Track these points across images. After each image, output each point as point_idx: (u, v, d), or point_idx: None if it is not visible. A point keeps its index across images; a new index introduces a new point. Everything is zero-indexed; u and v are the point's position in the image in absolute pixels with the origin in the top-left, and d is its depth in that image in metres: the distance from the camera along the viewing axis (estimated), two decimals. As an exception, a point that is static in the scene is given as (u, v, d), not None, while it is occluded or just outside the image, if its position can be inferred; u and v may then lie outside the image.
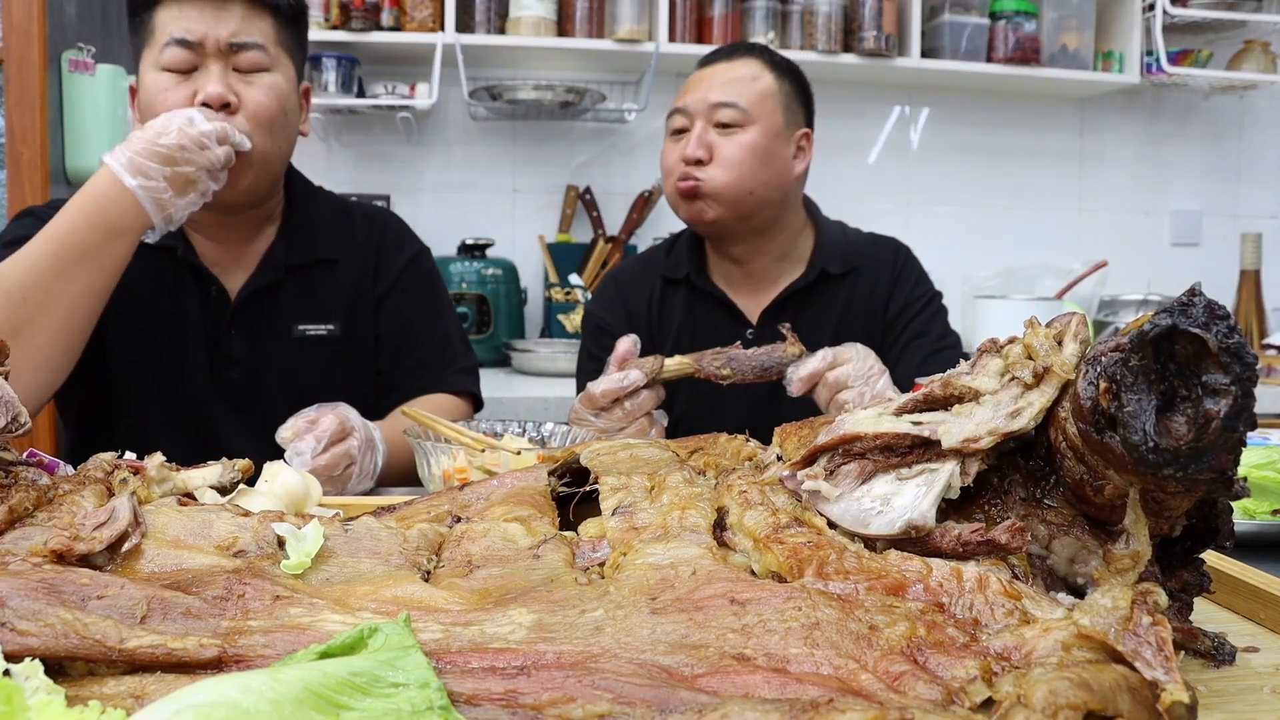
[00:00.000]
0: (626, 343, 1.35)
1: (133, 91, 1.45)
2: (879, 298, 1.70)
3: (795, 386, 1.33)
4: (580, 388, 1.68)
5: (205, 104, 1.33)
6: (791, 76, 1.67)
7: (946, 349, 1.65)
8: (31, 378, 1.21)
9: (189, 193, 1.27)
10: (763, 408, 1.64)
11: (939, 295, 1.75)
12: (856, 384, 1.30)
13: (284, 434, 1.19)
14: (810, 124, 1.71)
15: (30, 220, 1.41)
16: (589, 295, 2.80)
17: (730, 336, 1.68)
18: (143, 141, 1.25)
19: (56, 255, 1.22)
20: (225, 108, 1.34)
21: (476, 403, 1.64)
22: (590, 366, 1.68)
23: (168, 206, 1.26)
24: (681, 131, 1.64)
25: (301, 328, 1.52)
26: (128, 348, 1.36)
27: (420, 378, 1.57)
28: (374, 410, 1.49)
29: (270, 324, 1.51)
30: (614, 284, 1.79)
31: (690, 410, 1.67)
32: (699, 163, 1.60)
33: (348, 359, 1.56)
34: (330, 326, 1.54)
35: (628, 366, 1.33)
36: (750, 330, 1.69)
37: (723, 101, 1.60)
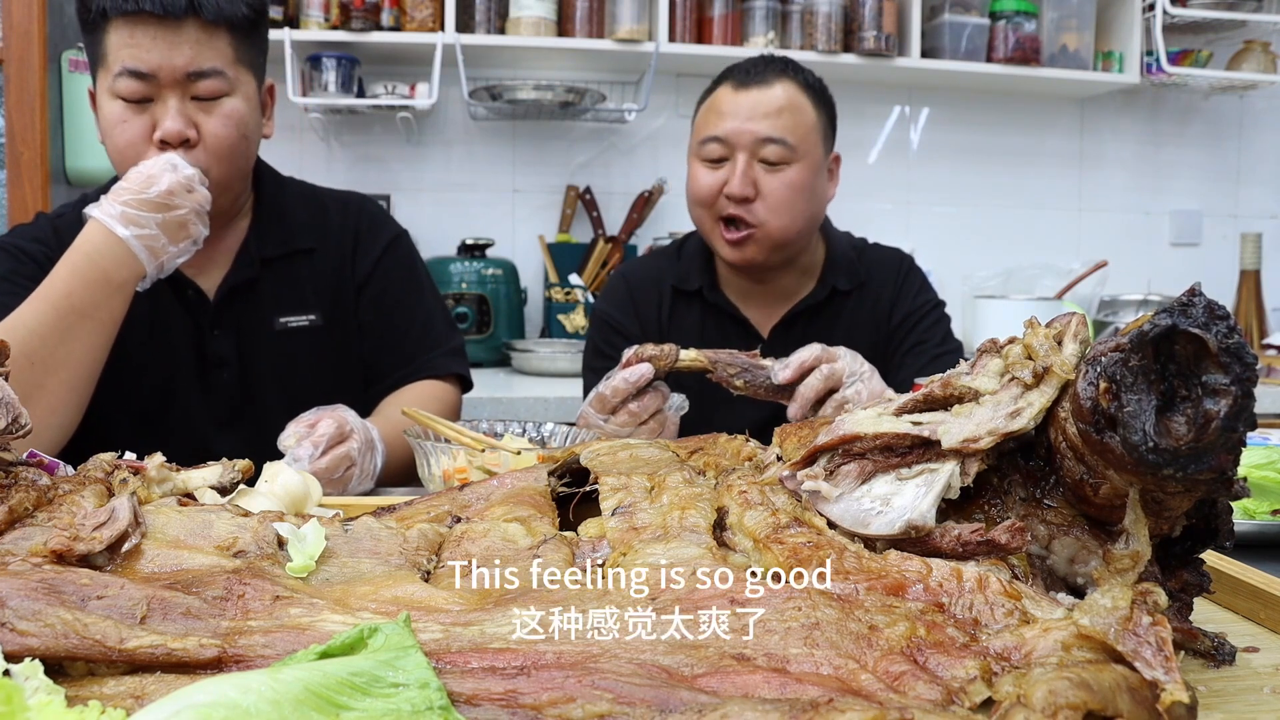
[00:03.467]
0: (632, 352, 1.34)
1: (92, 96, 1.41)
2: (883, 309, 1.71)
3: (786, 374, 1.29)
4: (588, 386, 1.67)
5: (164, 140, 1.31)
6: (825, 101, 1.64)
7: (947, 354, 1.66)
8: (46, 434, 1.20)
9: (182, 239, 1.26)
10: (777, 411, 1.64)
11: (942, 304, 1.76)
12: (851, 380, 1.28)
13: (285, 440, 1.19)
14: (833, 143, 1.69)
15: None
16: (589, 295, 2.79)
17: (741, 349, 1.67)
18: (130, 193, 1.23)
19: (56, 319, 1.20)
20: (185, 143, 1.32)
21: (465, 383, 1.63)
22: (599, 364, 1.67)
23: (161, 254, 1.25)
24: (719, 161, 1.58)
25: (283, 320, 1.50)
26: (111, 368, 1.32)
27: (406, 364, 1.56)
28: (362, 398, 1.49)
29: (252, 319, 1.49)
30: (625, 284, 1.77)
31: (699, 409, 1.67)
32: (745, 200, 1.55)
33: (332, 348, 1.54)
34: (311, 316, 1.52)
35: (641, 354, 1.31)
36: (760, 344, 1.68)
37: (770, 137, 1.54)
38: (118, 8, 1.29)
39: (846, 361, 1.30)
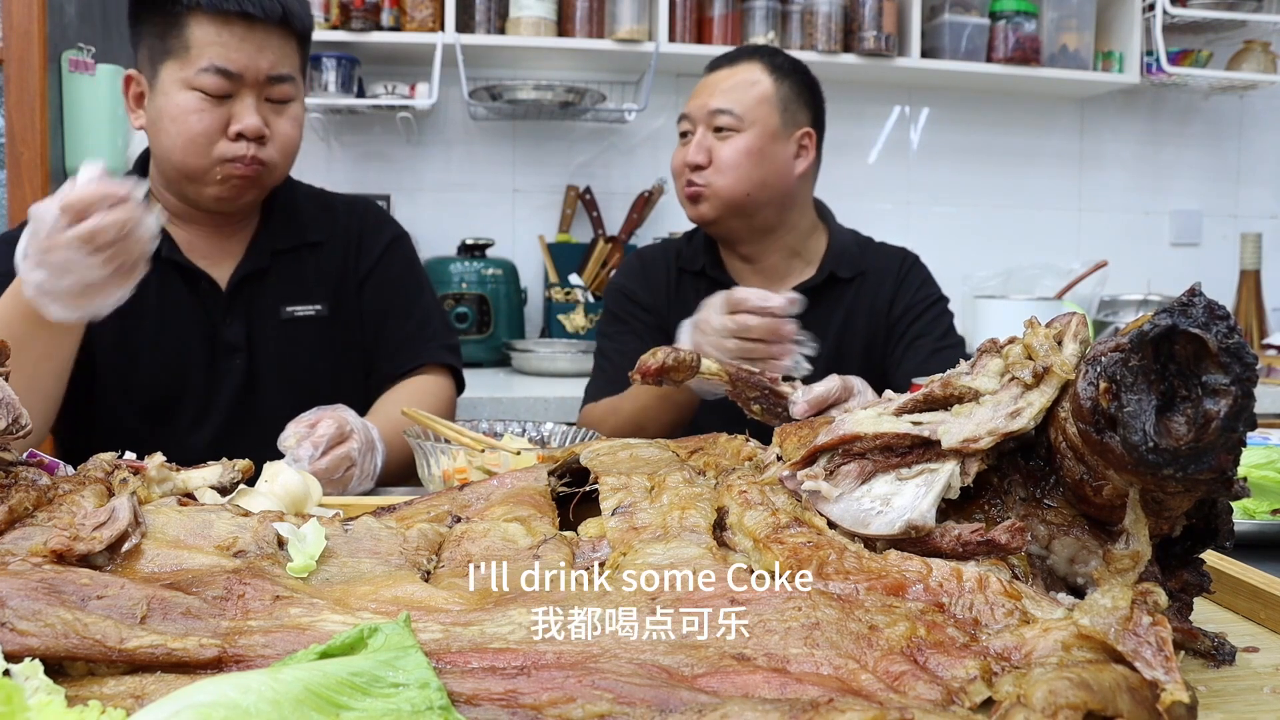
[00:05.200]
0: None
1: (128, 81, 1.42)
2: (883, 300, 1.74)
3: (800, 408, 1.28)
4: (600, 352, 1.78)
5: (241, 134, 1.36)
6: (794, 78, 1.72)
7: (948, 348, 1.67)
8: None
9: (83, 303, 1.10)
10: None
11: (945, 300, 1.78)
12: None
13: (286, 441, 1.19)
14: (817, 123, 1.75)
15: None
16: (589, 295, 2.80)
17: None
18: (28, 238, 1.08)
19: None
20: (259, 139, 1.38)
21: (459, 380, 1.66)
22: (612, 329, 1.79)
23: (70, 311, 1.10)
24: (687, 135, 1.74)
25: (290, 309, 1.54)
26: (119, 363, 1.30)
27: (402, 351, 1.60)
28: (363, 388, 1.55)
29: (262, 307, 1.53)
30: (639, 260, 1.88)
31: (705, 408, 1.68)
32: (699, 167, 1.70)
33: (336, 339, 1.58)
34: (318, 307, 1.56)
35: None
36: None
37: (719, 108, 1.69)
38: (213, 4, 1.33)
39: (856, 401, 1.30)
